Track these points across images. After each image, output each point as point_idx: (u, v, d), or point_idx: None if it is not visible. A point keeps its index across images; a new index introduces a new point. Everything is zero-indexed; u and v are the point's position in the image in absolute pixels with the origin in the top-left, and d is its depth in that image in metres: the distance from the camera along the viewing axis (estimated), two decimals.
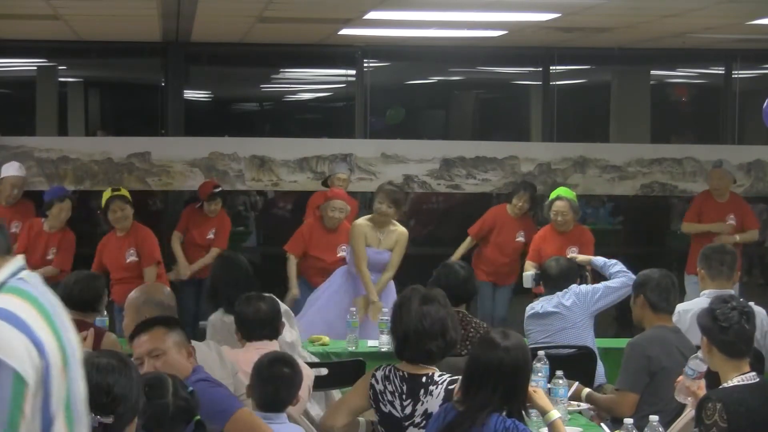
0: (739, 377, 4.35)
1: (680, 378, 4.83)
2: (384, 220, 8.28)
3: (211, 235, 9.64)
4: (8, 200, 9.27)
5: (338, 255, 8.85)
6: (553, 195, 9.02)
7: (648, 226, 12.58)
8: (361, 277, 8.20)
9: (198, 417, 3.65)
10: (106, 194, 8.89)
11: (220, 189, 9.75)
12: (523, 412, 4.20)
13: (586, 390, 5.69)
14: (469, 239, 9.88)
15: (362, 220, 8.40)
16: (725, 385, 4.37)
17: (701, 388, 4.71)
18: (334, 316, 7.98)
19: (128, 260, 8.74)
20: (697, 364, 4.72)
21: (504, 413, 4.11)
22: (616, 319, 10.86)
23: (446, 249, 10.02)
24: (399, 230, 8.35)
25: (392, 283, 8.33)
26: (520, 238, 9.71)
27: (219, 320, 6.24)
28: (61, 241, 9.07)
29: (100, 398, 3.38)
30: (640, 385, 5.58)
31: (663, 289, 5.74)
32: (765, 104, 7.77)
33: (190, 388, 3.84)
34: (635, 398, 5.57)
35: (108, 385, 3.38)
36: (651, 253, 12.00)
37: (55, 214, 8.96)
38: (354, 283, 8.29)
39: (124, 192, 8.92)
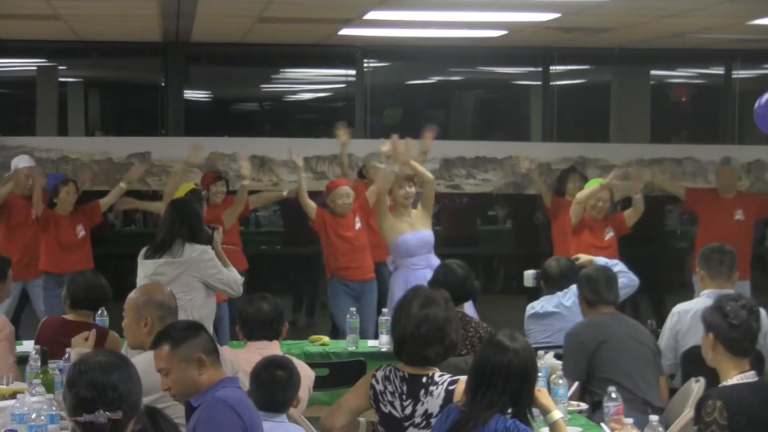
0: (739, 375, 4.36)
1: None
2: (407, 203, 8.31)
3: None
4: (23, 191, 9.43)
5: (356, 227, 9.04)
6: (590, 183, 9.30)
7: (648, 226, 12.55)
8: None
9: None
10: (185, 188, 8.84)
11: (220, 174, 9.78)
12: (528, 414, 4.19)
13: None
14: None
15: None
16: (725, 383, 4.38)
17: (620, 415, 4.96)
18: None
19: None
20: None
21: (508, 414, 4.11)
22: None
23: (449, 249, 9.99)
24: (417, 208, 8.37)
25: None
26: None
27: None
28: (82, 215, 9.36)
29: (108, 395, 3.39)
30: (580, 371, 5.75)
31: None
32: (756, 105, 7.77)
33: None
34: (578, 385, 5.71)
35: (113, 383, 3.40)
36: (652, 253, 11.99)
37: (63, 198, 9.31)
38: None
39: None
